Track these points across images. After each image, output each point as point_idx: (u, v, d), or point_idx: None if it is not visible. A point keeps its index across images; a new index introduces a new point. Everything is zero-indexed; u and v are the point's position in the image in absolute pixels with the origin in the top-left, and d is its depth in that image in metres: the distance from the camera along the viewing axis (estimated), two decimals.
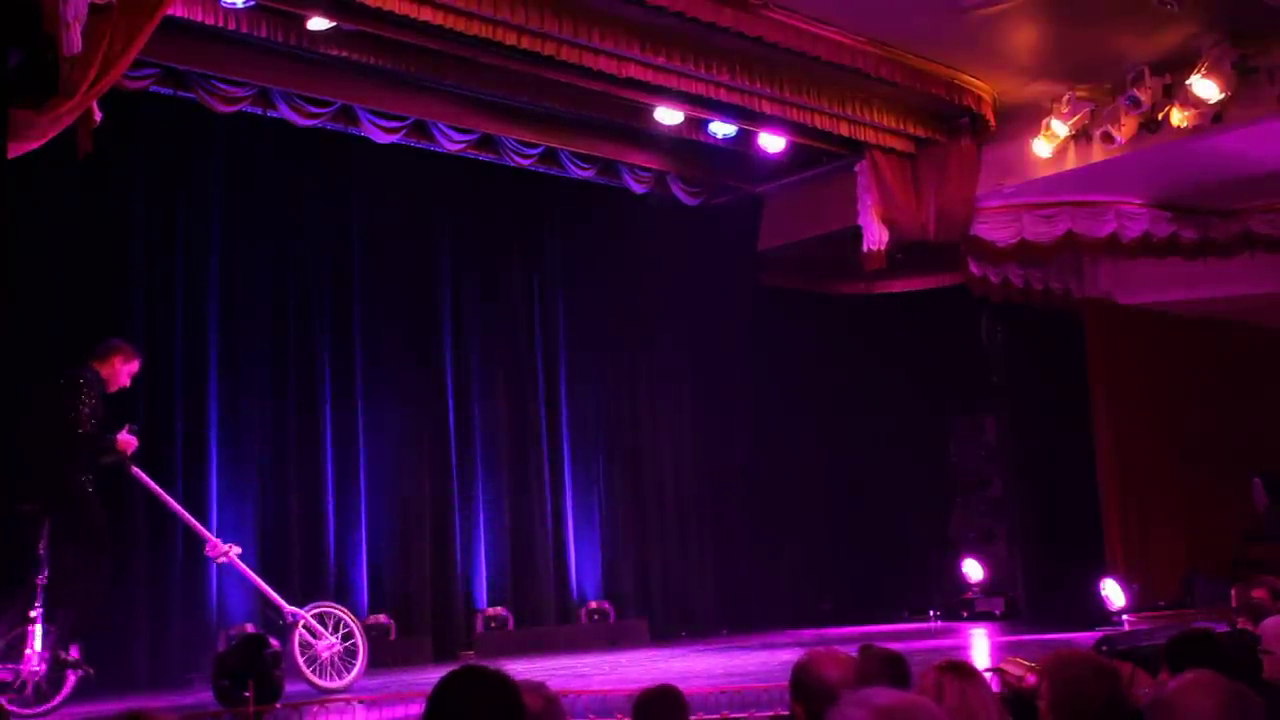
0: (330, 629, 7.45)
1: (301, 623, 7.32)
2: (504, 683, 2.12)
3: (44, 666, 6.30)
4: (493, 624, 10.16)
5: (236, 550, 7.33)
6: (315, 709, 6.44)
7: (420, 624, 9.82)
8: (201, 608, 8.71)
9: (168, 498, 7.21)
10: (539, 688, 2.54)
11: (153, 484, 7.07)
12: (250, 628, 8.28)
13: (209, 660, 7.23)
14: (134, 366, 6.90)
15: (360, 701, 6.70)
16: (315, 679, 7.23)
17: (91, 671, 6.49)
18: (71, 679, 6.43)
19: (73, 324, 8.14)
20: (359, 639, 7.54)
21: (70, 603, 6.41)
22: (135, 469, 6.95)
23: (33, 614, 6.32)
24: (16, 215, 6.79)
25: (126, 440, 6.75)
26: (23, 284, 7.52)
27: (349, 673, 7.41)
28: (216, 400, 9.10)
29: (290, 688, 6.83)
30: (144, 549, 8.40)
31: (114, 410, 7.20)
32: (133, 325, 8.67)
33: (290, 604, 7.47)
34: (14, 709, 6.20)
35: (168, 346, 8.92)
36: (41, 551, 6.39)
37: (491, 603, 10.31)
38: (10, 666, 6.27)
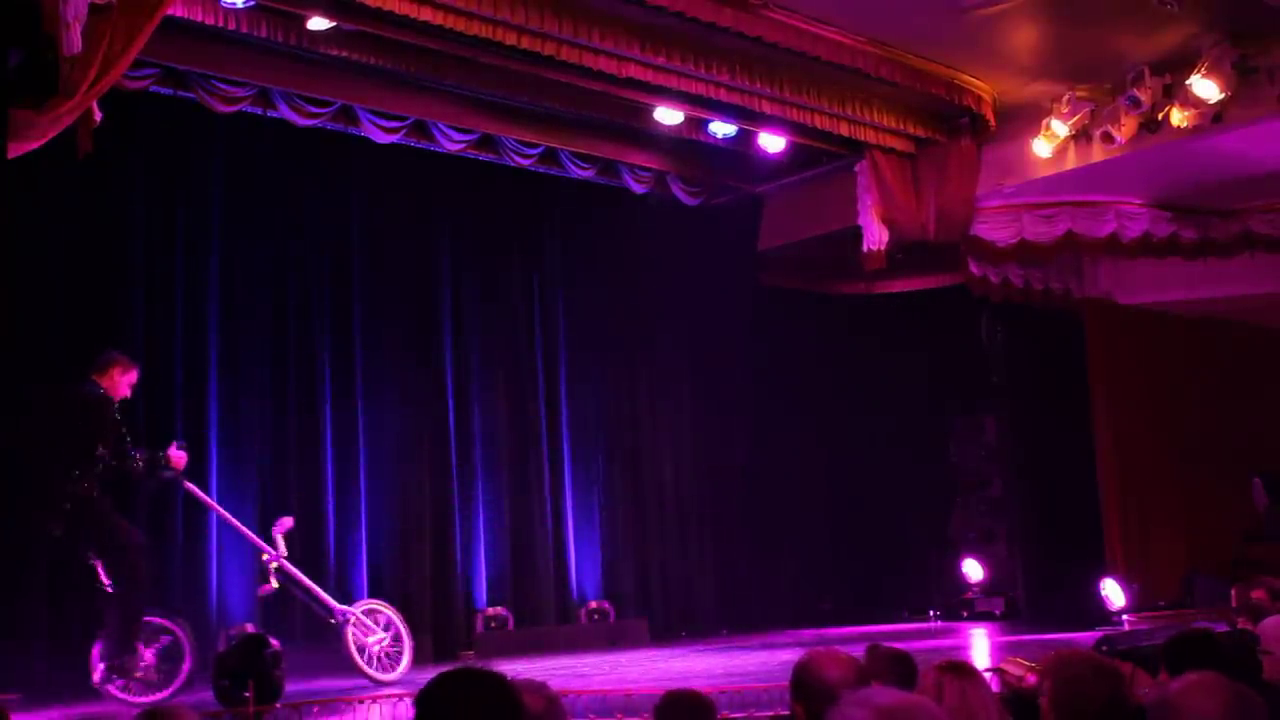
0: (380, 625, 7.69)
1: (353, 620, 7.50)
2: (499, 683, 2.09)
3: (102, 668, 6.57)
4: (493, 624, 10.16)
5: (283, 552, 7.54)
6: (315, 709, 6.44)
7: (420, 624, 9.76)
8: (202, 608, 8.70)
9: (224, 510, 7.52)
10: (540, 688, 2.54)
11: (205, 497, 7.35)
12: (250, 628, 8.28)
13: (209, 660, 7.24)
14: (132, 376, 6.95)
15: (360, 701, 6.70)
16: (373, 672, 7.45)
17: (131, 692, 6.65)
18: (185, 670, 6.76)
19: (73, 324, 8.14)
20: (403, 632, 7.76)
21: (112, 616, 6.57)
22: (189, 484, 7.20)
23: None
24: (16, 215, 6.80)
25: (178, 457, 6.95)
26: (23, 284, 7.52)
27: (396, 666, 7.63)
28: (216, 400, 9.09)
29: (293, 686, 6.84)
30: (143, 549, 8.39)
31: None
32: (133, 325, 8.69)
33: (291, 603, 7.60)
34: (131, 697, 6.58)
35: (168, 346, 8.92)
36: (93, 561, 6.56)
37: (491, 603, 10.31)
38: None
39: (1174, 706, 2.34)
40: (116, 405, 6.77)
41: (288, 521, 7.52)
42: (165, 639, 6.84)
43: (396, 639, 7.72)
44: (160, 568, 8.52)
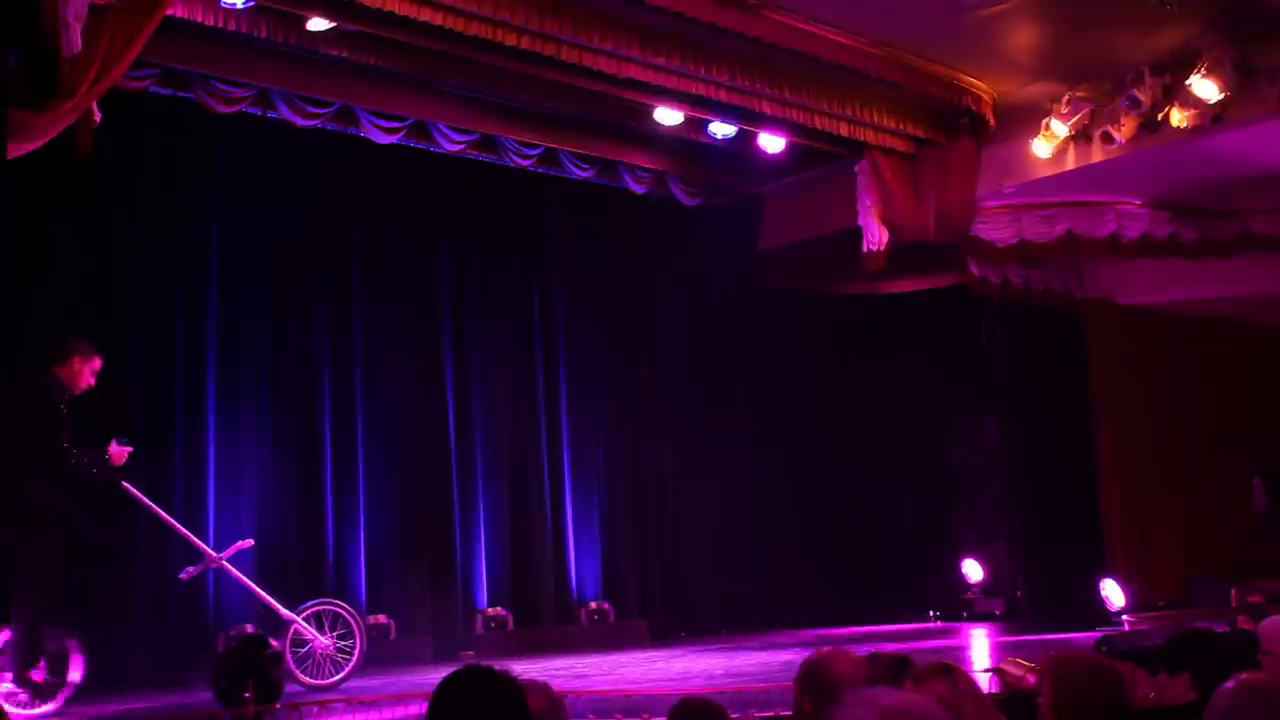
0: (327, 626, 7.58)
1: (295, 625, 7.44)
2: (508, 682, 2.11)
3: (41, 675, 6.38)
4: (492, 624, 10.15)
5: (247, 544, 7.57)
6: (315, 710, 6.43)
7: (420, 624, 9.81)
8: (200, 608, 8.70)
9: (162, 511, 7.23)
10: (542, 688, 2.55)
11: (143, 498, 7.05)
12: (250, 628, 8.28)
13: (209, 660, 7.24)
14: (95, 364, 6.74)
15: (361, 702, 6.69)
16: (306, 678, 7.39)
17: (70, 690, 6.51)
18: (61, 694, 6.46)
19: (73, 324, 8.11)
20: (357, 636, 7.64)
21: (14, 619, 6.34)
22: (126, 484, 6.88)
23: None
24: (17, 215, 6.79)
25: (118, 453, 6.65)
26: (22, 284, 7.51)
27: (342, 669, 7.56)
28: (216, 401, 9.09)
29: (289, 686, 6.84)
30: (143, 548, 8.39)
31: (109, 415, 7.20)
32: (133, 325, 8.69)
33: (291, 603, 7.60)
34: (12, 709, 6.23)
35: (168, 347, 8.92)
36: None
37: (491, 603, 10.31)
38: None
39: None
40: (65, 398, 6.52)
41: (247, 543, 7.58)
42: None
43: (347, 639, 7.61)
44: (158, 568, 8.57)
